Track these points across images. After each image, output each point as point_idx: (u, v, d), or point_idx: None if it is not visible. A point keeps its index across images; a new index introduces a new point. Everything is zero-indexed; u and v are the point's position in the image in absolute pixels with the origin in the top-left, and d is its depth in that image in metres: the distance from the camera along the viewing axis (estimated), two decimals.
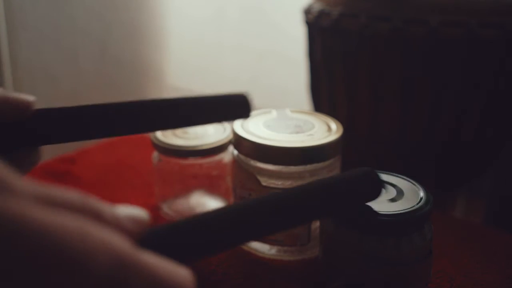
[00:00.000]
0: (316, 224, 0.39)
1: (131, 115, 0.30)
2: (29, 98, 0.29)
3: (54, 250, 0.17)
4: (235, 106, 0.32)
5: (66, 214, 0.18)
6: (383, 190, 0.34)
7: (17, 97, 0.29)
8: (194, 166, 0.45)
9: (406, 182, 0.35)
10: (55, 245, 0.17)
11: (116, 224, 0.21)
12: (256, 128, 0.40)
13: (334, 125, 0.41)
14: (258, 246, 0.40)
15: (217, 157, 0.45)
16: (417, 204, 0.32)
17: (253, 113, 0.43)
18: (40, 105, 0.29)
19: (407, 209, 0.32)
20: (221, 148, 0.44)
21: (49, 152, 0.42)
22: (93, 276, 0.18)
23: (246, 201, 0.24)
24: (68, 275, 0.17)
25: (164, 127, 0.34)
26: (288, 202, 0.25)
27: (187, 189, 0.47)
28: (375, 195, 0.30)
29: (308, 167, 0.38)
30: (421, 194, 0.34)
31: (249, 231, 0.24)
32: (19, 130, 0.29)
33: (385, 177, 0.36)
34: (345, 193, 0.28)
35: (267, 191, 0.38)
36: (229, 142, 0.45)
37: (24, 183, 0.18)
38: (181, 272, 0.22)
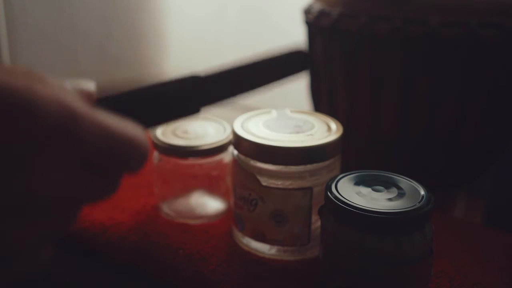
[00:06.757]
0: (316, 224, 0.39)
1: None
2: (92, 85, 0.29)
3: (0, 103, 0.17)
4: (294, 62, 0.33)
5: (16, 76, 0.18)
6: (383, 189, 0.34)
7: (81, 84, 0.28)
8: (194, 166, 0.45)
9: (406, 182, 0.35)
10: (1, 98, 0.17)
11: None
12: (256, 128, 0.40)
13: (334, 125, 0.41)
14: (258, 246, 0.40)
15: (217, 157, 0.45)
16: (418, 203, 0.32)
17: (252, 113, 0.43)
18: None
19: (408, 207, 0.32)
20: (221, 148, 0.44)
21: None
22: (41, 124, 0.18)
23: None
24: (14, 124, 0.17)
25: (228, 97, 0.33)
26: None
27: (187, 189, 0.47)
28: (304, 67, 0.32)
29: (308, 167, 0.38)
30: (422, 193, 0.34)
31: (202, 99, 0.28)
32: None
33: (385, 177, 0.36)
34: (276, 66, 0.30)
35: (267, 191, 0.38)
36: (229, 142, 0.45)
37: None
38: (136, 130, 0.21)
